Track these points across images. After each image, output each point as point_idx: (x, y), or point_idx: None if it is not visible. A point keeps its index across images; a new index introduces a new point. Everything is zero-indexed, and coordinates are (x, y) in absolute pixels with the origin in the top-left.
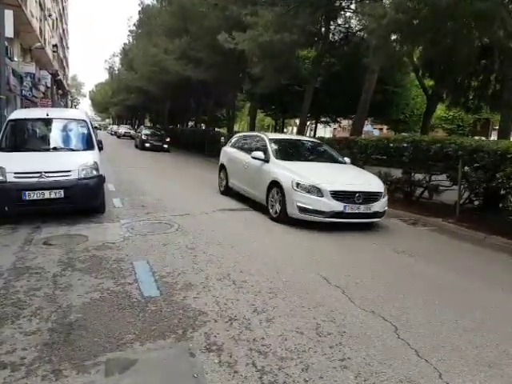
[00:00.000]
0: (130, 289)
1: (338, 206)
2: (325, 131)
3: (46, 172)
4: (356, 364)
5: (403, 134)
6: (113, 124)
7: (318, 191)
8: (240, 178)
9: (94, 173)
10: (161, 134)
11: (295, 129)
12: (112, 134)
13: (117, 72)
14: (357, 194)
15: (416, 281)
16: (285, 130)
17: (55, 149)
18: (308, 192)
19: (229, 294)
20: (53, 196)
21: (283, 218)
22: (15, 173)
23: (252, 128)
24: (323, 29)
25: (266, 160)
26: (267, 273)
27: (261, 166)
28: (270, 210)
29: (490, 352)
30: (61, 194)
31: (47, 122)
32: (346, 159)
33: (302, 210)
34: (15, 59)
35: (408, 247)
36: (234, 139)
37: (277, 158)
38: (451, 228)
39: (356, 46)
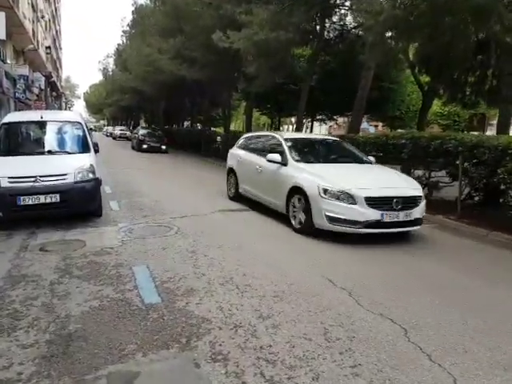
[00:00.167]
0: (131, 296)
1: (374, 214)
2: (320, 129)
3: (40, 176)
4: (368, 371)
5: (400, 130)
6: (108, 125)
7: (350, 198)
8: (253, 184)
9: (91, 176)
10: (158, 134)
11: (291, 127)
12: (107, 136)
13: (111, 73)
14: (395, 200)
15: (417, 280)
16: (281, 129)
17: (50, 152)
18: (338, 199)
19: (232, 298)
20: (48, 200)
21: (308, 230)
22: (9, 177)
23: (248, 127)
24: (318, 26)
25: (284, 163)
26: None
27: (278, 170)
28: (293, 222)
29: (503, 354)
30: (57, 198)
31: (41, 125)
32: (371, 158)
33: (333, 219)
34: (8, 61)
35: (408, 245)
36: (241, 140)
37: (295, 161)
38: (452, 225)
39: (351, 44)
